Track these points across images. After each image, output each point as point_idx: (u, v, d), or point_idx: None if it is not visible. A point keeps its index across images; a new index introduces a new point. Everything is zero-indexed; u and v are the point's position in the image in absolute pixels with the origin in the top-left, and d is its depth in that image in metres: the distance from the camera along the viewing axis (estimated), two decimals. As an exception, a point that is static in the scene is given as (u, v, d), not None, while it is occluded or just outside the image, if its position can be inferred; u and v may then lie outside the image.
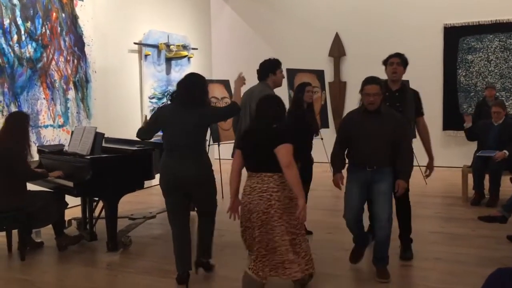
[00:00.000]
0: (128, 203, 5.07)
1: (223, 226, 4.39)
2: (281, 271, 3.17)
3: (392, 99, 4.15)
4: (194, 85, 3.73)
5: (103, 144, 4.89)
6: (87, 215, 5.10)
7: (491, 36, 9.06)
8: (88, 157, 4.59)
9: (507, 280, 1.80)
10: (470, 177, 6.48)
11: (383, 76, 4.21)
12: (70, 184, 4.55)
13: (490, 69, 9.11)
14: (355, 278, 3.92)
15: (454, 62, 9.36)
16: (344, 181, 3.89)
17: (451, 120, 9.32)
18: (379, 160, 3.68)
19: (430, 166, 4.43)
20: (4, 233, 4.69)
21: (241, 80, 4.04)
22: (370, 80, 3.71)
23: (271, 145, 3.10)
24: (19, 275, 4.20)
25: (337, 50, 10.19)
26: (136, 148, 4.82)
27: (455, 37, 9.31)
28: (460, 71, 9.34)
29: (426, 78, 9.33)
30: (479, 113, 7.86)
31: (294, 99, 4.89)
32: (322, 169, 6.45)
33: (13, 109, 5.90)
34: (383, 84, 3.79)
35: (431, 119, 9.10)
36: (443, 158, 9.28)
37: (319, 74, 8.98)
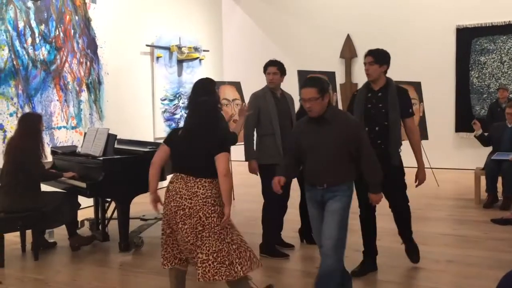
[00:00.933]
0: (140, 204, 5.10)
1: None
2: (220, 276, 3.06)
3: (375, 100, 3.88)
4: (200, 90, 4.00)
5: (116, 145, 4.93)
6: (100, 215, 5.15)
7: (504, 37, 8.98)
8: (101, 158, 4.63)
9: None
10: (483, 179, 6.42)
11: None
12: (83, 185, 4.60)
13: (503, 71, 9.02)
14: (362, 277, 3.89)
15: (466, 64, 9.28)
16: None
17: (464, 122, 9.23)
18: (330, 176, 3.07)
19: (418, 175, 3.93)
20: (18, 233, 4.74)
21: (243, 112, 4.29)
22: (305, 83, 3.15)
23: (214, 151, 3.03)
24: (32, 274, 4.24)
25: (349, 52, 10.17)
26: (148, 149, 4.84)
27: (468, 38, 9.23)
28: (473, 72, 9.26)
29: (438, 80, 9.28)
30: (492, 115, 7.80)
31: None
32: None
33: (27, 110, 5.97)
34: (326, 85, 3.16)
35: (444, 121, 9.22)
36: (456, 160, 9.24)
37: (330, 76, 8.94)
